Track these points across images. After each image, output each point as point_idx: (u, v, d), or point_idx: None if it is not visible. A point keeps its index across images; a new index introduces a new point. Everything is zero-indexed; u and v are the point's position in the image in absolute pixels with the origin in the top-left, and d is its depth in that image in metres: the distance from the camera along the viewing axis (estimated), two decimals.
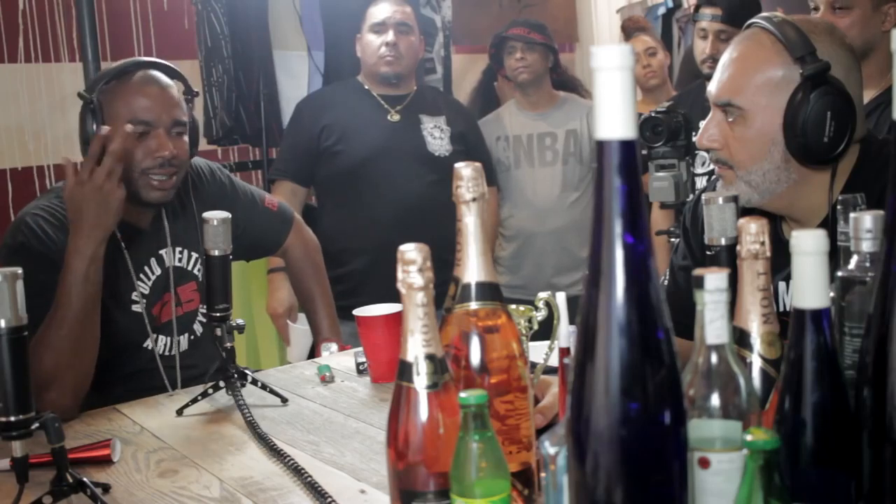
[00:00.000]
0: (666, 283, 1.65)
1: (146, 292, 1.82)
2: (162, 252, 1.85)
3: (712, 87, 1.45)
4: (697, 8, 2.90)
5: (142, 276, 1.82)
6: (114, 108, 1.72)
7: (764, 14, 1.45)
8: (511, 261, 3.27)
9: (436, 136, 2.88)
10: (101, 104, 1.71)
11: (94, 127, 1.70)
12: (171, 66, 1.83)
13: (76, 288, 1.57)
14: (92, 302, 1.60)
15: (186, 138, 1.80)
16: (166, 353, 1.85)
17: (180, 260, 1.88)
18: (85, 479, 1.19)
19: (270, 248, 2.16)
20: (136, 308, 1.80)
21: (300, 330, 2.57)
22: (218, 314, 1.62)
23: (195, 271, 1.90)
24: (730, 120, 1.42)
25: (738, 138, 1.41)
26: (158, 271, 1.84)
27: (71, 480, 1.17)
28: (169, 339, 1.86)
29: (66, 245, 1.67)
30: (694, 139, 2.63)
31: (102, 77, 1.76)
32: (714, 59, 2.79)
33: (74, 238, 1.58)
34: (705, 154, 2.69)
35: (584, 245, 3.04)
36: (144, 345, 1.81)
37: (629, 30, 3.72)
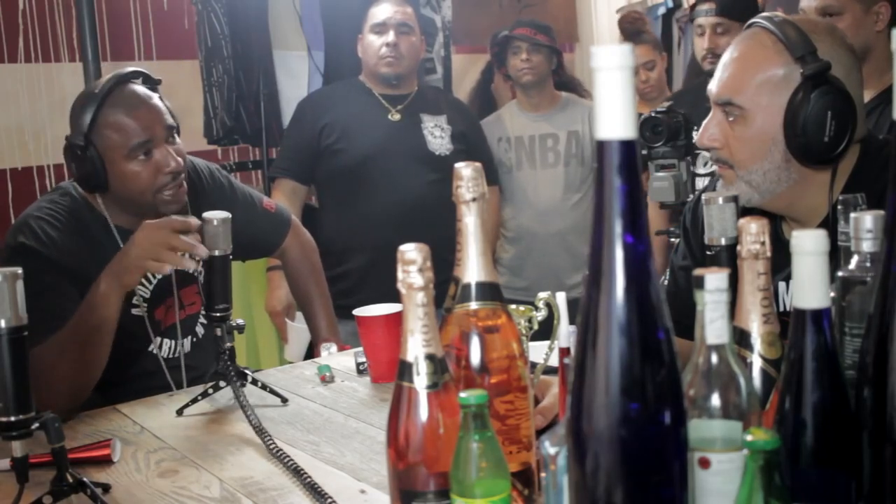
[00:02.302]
0: (666, 283, 1.65)
1: (147, 296, 1.82)
2: None
3: (713, 87, 1.45)
4: (693, 7, 2.92)
5: (142, 280, 1.81)
6: (108, 142, 1.70)
7: (765, 14, 1.45)
8: (514, 263, 3.26)
9: (436, 135, 2.88)
10: (94, 144, 1.69)
11: (94, 169, 1.68)
12: (136, 69, 1.80)
13: (88, 328, 1.58)
14: (105, 337, 1.60)
15: (178, 138, 1.80)
16: (171, 356, 1.85)
17: None
18: (85, 479, 1.19)
19: (268, 249, 2.17)
20: (136, 312, 1.79)
21: (298, 328, 2.58)
22: (218, 314, 1.62)
23: (196, 273, 1.90)
24: (730, 119, 1.42)
25: (738, 138, 1.41)
26: (159, 275, 1.84)
27: (71, 480, 1.17)
28: (173, 342, 1.86)
29: (67, 246, 1.67)
30: (694, 139, 2.63)
31: (80, 113, 1.70)
32: (713, 54, 2.80)
33: (101, 281, 1.58)
34: (706, 154, 2.69)
35: (586, 246, 3.02)
36: (150, 349, 1.81)
37: (628, 32, 3.68)
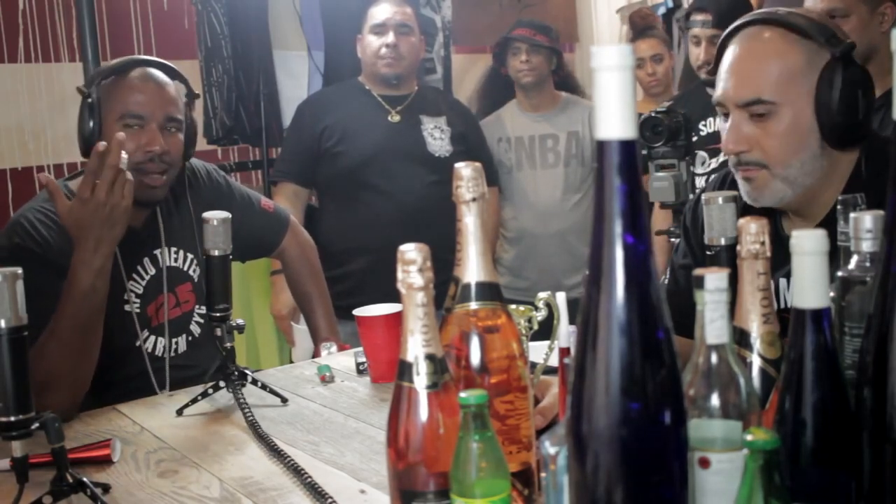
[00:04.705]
0: (666, 282, 1.65)
1: (140, 292, 1.81)
2: (156, 252, 1.84)
3: (729, 92, 1.41)
4: (688, 16, 2.90)
5: (135, 275, 1.81)
6: (109, 104, 1.73)
7: (759, 11, 1.44)
8: (514, 263, 3.26)
9: (436, 136, 2.88)
10: (99, 100, 1.73)
11: (91, 123, 1.71)
12: (172, 66, 1.84)
13: (82, 300, 1.55)
14: (97, 313, 1.59)
15: (181, 136, 1.80)
16: (164, 355, 1.84)
17: (176, 260, 1.87)
18: (85, 479, 1.19)
19: (267, 249, 2.17)
20: (126, 308, 1.78)
21: (304, 331, 2.58)
22: (218, 314, 1.62)
23: (191, 272, 1.89)
24: (757, 118, 1.39)
25: (770, 134, 1.38)
26: (153, 271, 1.83)
27: (71, 480, 1.17)
28: (165, 340, 1.84)
29: (61, 246, 1.65)
30: (694, 139, 2.63)
31: (101, 73, 1.78)
32: (710, 64, 2.79)
33: (80, 251, 1.55)
34: (704, 154, 2.69)
35: (586, 247, 3.03)
36: (138, 345, 1.80)
37: (638, 26, 3.65)
